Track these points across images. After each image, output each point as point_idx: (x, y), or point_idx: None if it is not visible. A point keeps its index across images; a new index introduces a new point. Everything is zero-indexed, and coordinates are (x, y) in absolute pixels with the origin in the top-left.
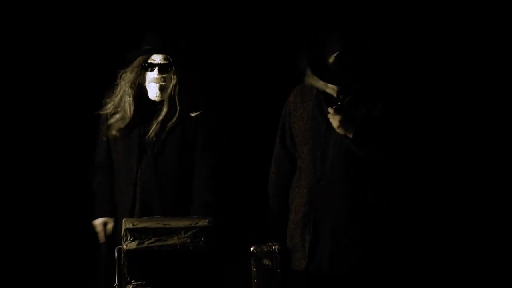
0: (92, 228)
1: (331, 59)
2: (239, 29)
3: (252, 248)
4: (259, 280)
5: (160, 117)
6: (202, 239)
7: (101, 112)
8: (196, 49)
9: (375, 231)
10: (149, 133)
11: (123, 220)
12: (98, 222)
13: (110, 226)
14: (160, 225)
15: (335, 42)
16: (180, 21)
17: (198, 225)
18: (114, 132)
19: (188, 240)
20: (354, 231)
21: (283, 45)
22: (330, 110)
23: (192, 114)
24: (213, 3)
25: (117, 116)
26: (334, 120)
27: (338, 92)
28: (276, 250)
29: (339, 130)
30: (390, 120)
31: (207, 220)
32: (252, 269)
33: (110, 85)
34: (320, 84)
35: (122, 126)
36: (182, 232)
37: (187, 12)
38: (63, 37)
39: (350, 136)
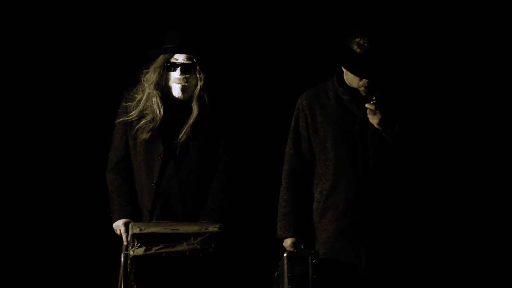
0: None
1: (360, 55)
2: (244, 32)
3: (285, 254)
4: (293, 287)
5: (192, 120)
6: (213, 245)
7: (126, 119)
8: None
9: (423, 226)
10: (181, 135)
11: (130, 225)
12: (120, 223)
13: None
14: (168, 231)
15: (361, 35)
16: (193, 21)
17: (208, 230)
18: (145, 135)
19: (198, 246)
20: (406, 229)
21: (278, 47)
22: (370, 106)
23: (220, 116)
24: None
25: (147, 118)
26: (374, 117)
27: (367, 88)
28: (311, 256)
29: (380, 127)
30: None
31: (217, 226)
32: (286, 274)
33: (115, 87)
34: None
35: (154, 127)
36: (192, 238)
37: (195, 14)
38: (74, 37)
39: (393, 131)
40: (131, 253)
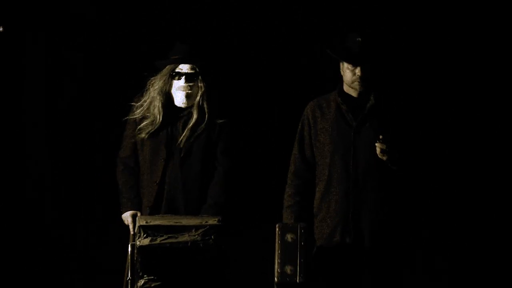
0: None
1: (353, 47)
2: (244, 38)
3: (278, 224)
4: (282, 252)
5: (191, 124)
6: (212, 237)
7: (131, 117)
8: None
9: (405, 223)
10: (181, 138)
11: (136, 217)
12: (128, 214)
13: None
14: (171, 223)
15: (355, 34)
16: (197, 32)
17: (208, 223)
18: (143, 135)
19: (199, 238)
20: (389, 227)
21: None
22: (380, 145)
23: (219, 121)
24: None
25: (147, 121)
26: (384, 156)
27: (360, 82)
28: (301, 225)
29: (388, 162)
30: (411, 132)
31: (216, 219)
32: (277, 241)
33: (134, 91)
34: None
35: (152, 130)
36: (193, 230)
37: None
38: (99, 45)
39: (397, 164)
40: (138, 243)
